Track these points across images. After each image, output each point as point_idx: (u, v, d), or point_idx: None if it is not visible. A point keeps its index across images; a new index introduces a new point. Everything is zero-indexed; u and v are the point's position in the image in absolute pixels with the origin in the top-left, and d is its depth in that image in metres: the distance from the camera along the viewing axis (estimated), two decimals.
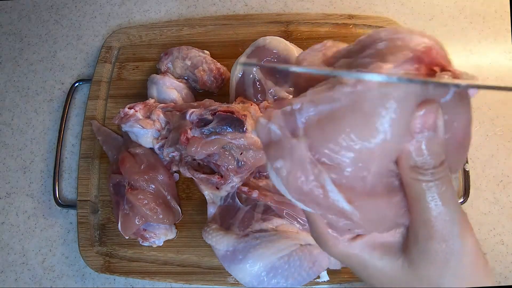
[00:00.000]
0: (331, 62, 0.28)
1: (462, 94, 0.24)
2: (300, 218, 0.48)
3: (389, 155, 0.24)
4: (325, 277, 0.52)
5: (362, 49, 0.25)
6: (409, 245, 0.26)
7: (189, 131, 0.50)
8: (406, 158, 0.24)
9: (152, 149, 0.56)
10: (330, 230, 0.28)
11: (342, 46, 0.29)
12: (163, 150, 0.54)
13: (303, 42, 0.63)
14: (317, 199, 0.25)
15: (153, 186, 0.54)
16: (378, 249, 0.28)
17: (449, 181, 0.25)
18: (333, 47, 0.29)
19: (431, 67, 0.23)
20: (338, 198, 0.25)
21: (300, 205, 0.26)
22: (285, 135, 0.25)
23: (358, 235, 0.28)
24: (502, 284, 0.53)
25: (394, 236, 0.28)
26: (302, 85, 0.28)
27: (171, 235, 0.55)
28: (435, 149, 0.24)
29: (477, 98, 0.56)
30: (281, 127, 0.25)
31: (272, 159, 0.26)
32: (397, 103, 0.22)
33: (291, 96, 0.55)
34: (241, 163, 0.48)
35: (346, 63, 0.26)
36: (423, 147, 0.24)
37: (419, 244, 0.25)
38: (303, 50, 0.56)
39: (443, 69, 0.24)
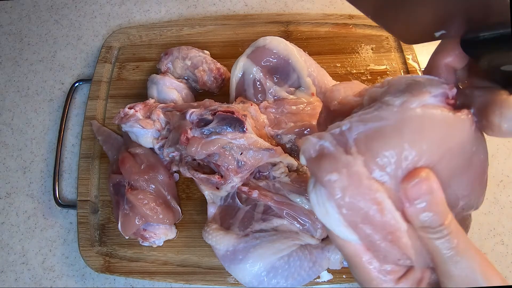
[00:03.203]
0: (362, 94, 0.31)
1: (479, 129, 0.26)
2: (300, 218, 0.48)
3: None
4: (325, 277, 0.52)
5: (387, 90, 0.28)
6: None
7: (189, 131, 0.50)
8: (413, 220, 0.25)
9: (152, 149, 0.56)
10: (372, 267, 0.27)
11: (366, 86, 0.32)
12: (163, 150, 0.54)
13: (303, 42, 0.64)
14: (371, 217, 0.25)
15: (153, 186, 0.54)
16: None
17: (459, 232, 0.25)
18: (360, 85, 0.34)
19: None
20: (395, 216, 0.25)
21: (345, 232, 0.26)
22: (339, 151, 0.26)
23: (402, 276, 0.28)
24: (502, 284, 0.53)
25: (430, 281, 0.28)
26: (336, 112, 0.31)
27: (171, 235, 0.55)
28: (437, 209, 0.24)
29: None
30: (334, 144, 0.26)
31: (326, 172, 0.25)
32: None
33: (291, 96, 0.56)
34: (241, 163, 0.48)
35: (372, 97, 0.29)
36: (425, 210, 0.24)
37: None
38: (303, 50, 0.57)
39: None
